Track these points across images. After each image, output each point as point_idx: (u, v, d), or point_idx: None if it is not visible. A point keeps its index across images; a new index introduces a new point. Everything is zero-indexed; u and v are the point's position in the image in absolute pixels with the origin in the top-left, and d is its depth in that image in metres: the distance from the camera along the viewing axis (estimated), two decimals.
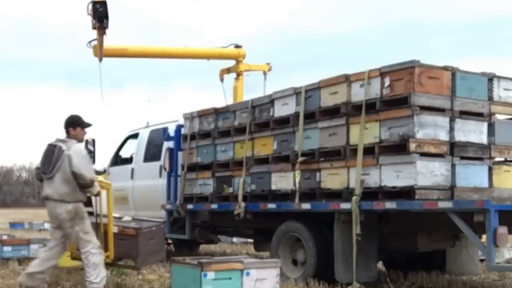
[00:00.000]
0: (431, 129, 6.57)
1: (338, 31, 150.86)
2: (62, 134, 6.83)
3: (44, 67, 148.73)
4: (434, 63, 6.74)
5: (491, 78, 7.02)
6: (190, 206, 9.59)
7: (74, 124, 6.81)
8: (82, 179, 6.57)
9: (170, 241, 12.44)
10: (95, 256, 6.60)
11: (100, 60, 12.32)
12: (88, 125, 6.95)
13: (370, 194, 6.83)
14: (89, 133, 7.14)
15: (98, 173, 12.34)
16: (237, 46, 13.27)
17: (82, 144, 6.98)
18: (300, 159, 7.64)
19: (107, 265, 7.03)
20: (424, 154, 6.50)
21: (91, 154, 12.15)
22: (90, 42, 12.07)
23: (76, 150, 6.66)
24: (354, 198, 6.81)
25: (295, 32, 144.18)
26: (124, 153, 12.37)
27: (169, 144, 10.36)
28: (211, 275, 5.49)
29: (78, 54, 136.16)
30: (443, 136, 6.64)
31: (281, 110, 8.10)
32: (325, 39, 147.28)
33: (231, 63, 13.47)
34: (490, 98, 6.99)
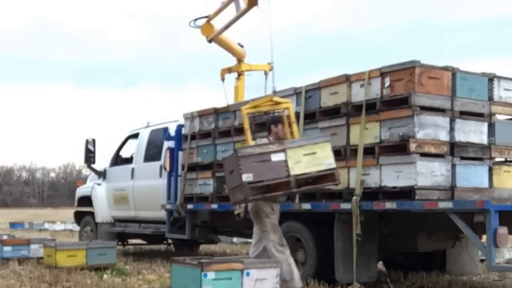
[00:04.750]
0: (431, 129, 6.57)
1: (352, 32, 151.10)
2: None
3: (53, 66, 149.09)
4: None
5: (491, 78, 7.02)
6: (190, 206, 9.58)
7: (276, 122, 6.83)
8: None
9: (170, 241, 12.47)
10: (275, 253, 6.51)
11: (210, 41, 11.02)
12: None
13: (370, 194, 6.83)
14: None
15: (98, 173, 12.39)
16: (239, 45, 13.24)
17: (264, 139, 6.76)
18: None
19: None
20: (424, 154, 6.50)
21: (91, 154, 12.21)
22: (195, 20, 10.84)
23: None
24: (354, 198, 6.80)
25: (308, 33, 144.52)
26: (125, 153, 12.36)
27: (170, 144, 10.35)
28: (211, 275, 5.49)
29: (87, 54, 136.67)
30: (443, 136, 6.64)
31: None
32: (338, 39, 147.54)
33: (232, 62, 13.44)
34: (491, 98, 6.99)
